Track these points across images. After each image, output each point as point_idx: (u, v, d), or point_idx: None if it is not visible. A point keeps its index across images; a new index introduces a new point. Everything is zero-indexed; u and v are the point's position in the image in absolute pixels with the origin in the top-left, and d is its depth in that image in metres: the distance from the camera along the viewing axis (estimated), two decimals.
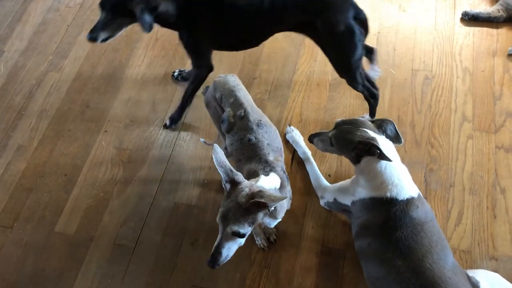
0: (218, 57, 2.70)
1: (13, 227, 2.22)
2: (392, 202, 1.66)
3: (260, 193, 1.38)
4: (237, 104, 1.77)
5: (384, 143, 1.71)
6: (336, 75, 2.17)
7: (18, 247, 2.16)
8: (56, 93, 2.69)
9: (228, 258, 1.45)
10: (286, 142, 2.33)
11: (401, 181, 1.68)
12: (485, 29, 2.74)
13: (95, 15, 2.62)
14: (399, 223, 1.62)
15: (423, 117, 2.42)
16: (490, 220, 2.08)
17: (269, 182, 1.53)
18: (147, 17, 1.92)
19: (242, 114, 1.74)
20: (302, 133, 2.35)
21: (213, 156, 1.42)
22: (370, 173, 1.71)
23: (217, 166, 1.43)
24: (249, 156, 1.67)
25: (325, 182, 2.13)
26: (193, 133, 2.46)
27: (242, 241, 1.45)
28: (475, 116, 2.40)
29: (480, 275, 1.69)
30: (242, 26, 2.09)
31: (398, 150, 1.78)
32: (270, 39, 2.20)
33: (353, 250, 1.83)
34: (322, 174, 2.18)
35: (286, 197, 1.40)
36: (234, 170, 1.45)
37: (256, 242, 2.04)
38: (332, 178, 2.22)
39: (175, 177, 2.31)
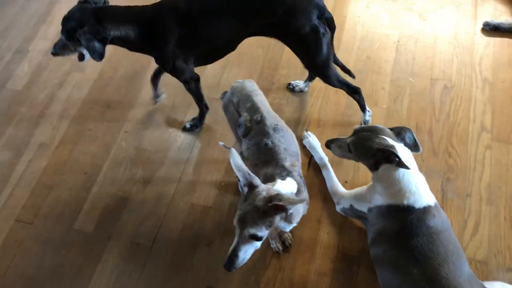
0: (238, 62, 2.73)
1: (33, 223, 2.26)
2: (409, 210, 1.66)
3: (278, 196, 1.39)
4: (254, 108, 1.79)
5: (403, 151, 1.71)
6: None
7: (38, 242, 2.20)
8: (78, 93, 2.74)
9: (245, 261, 1.46)
10: (303, 147, 2.34)
11: (419, 189, 1.68)
12: (506, 39, 2.72)
13: None
14: (416, 231, 1.62)
15: (441, 126, 2.41)
16: (508, 232, 2.06)
17: (286, 187, 1.54)
18: (97, 46, 1.93)
19: (259, 118, 1.75)
20: (319, 139, 2.35)
21: (231, 160, 1.44)
22: (387, 181, 1.71)
23: (235, 170, 1.44)
24: (266, 160, 1.68)
25: (341, 188, 2.14)
26: (211, 136, 2.48)
27: (258, 244, 1.46)
28: (494, 127, 2.39)
29: (496, 287, 1.68)
30: (210, 33, 2.06)
31: (415, 159, 1.77)
32: None
33: (368, 256, 1.83)
34: (339, 180, 2.18)
35: (304, 199, 1.40)
36: (251, 174, 1.46)
37: (271, 245, 2.05)
38: (349, 185, 2.23)
39: (192, 178, 2.34)
